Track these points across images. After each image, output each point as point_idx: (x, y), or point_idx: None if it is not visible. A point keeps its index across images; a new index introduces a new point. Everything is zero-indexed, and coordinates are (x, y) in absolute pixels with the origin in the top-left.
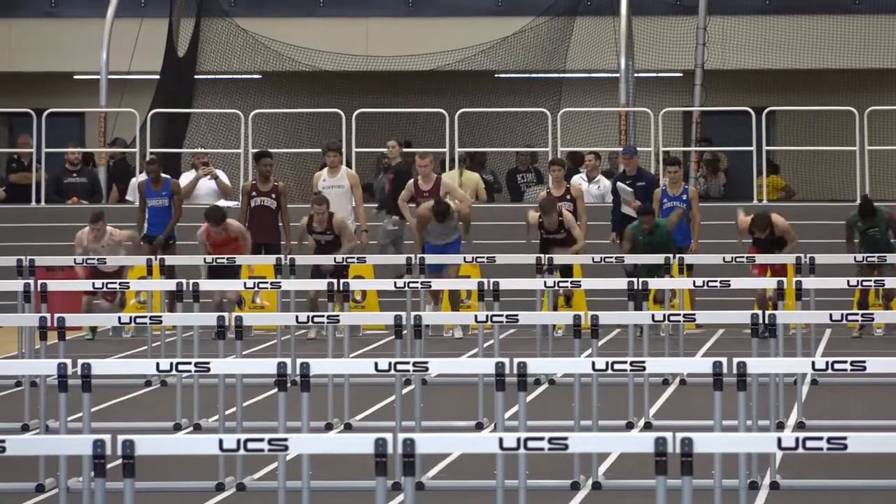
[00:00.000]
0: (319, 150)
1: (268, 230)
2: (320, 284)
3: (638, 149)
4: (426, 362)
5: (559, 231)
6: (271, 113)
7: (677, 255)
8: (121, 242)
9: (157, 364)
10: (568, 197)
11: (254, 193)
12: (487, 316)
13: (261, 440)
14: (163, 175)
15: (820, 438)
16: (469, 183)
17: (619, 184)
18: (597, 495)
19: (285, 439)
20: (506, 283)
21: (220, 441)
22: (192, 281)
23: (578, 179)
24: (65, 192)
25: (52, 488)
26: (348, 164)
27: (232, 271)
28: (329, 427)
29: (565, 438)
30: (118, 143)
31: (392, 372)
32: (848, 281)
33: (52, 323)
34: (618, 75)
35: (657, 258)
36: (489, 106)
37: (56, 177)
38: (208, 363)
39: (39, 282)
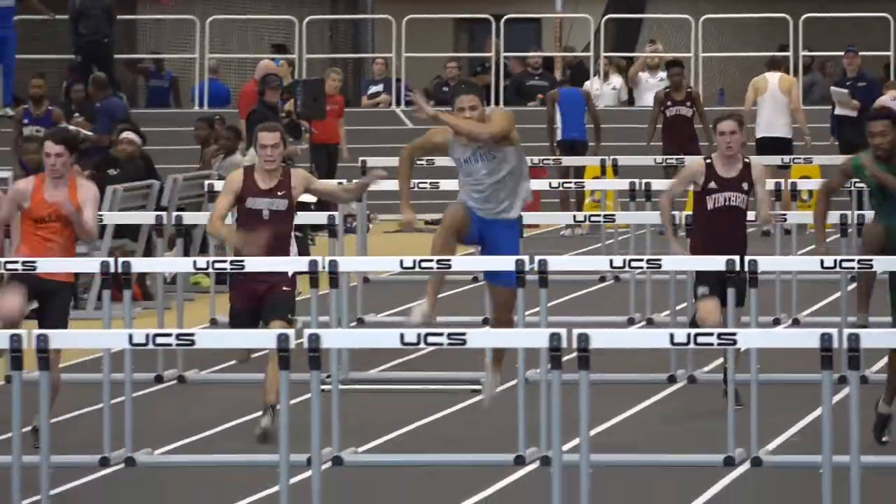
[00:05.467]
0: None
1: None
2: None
3: None
4: (871, 259)
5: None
6: (723, 18)
7: None
8: None
9: (611, 261)
10: None
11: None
12: None
13: (710, 335)
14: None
15: None
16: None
17: (833, 87)
18: None
19: (734, 334)
20: None
21: (671, 335)
22: (644, 181)
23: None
24: (526, 94)
25: (511, 380)
26: None
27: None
28: (777, 322)
29: None
30: (566, 49)
31: (837, 269)
32: None
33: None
34: None
35: None
36: None
37: (517, 79)
38: (660, 259)
39: None
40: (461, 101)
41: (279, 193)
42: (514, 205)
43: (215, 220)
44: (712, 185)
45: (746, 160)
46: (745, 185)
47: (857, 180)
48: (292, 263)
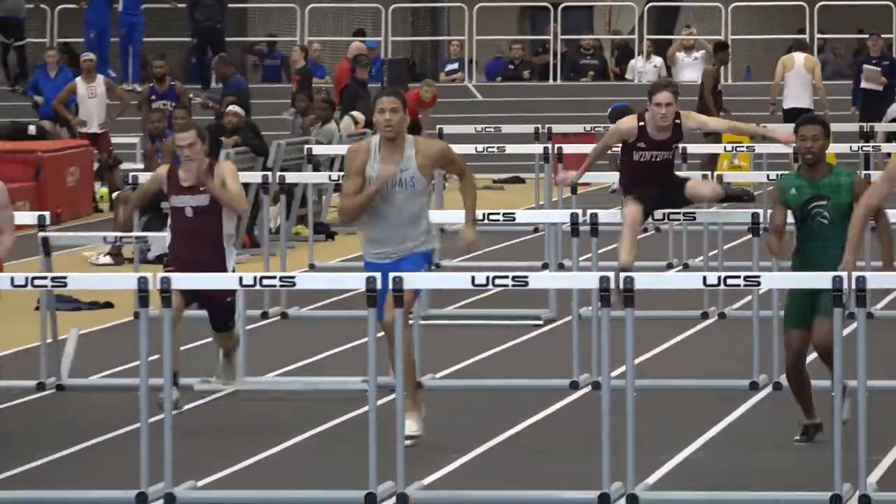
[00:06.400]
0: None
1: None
2: None
3: None
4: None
5: (667, 146)
6: (749, 5)
7: None
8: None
9: (653, 213)
10: None
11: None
12: None
13: (737, 277)
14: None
15: None
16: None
17: (865, 65)
18: None
19: (758, 276)
20: None
21: (704, 278)
22: (682, 145)
23: None
24: (579, 71)
25: (566, 316)
26: None
27: None
28: None
29: None
30: (614, 32)
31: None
32: None
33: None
34: None
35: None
36: None
37: (572, 58)
38: (694, 213)
39: (556, 145)
40: (382, 104)
41: (201, 189)
42: (424, 239)
43: (138, 194)
44: (641, 144)
45: (678, 122)
46: (674, 146)
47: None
48: None
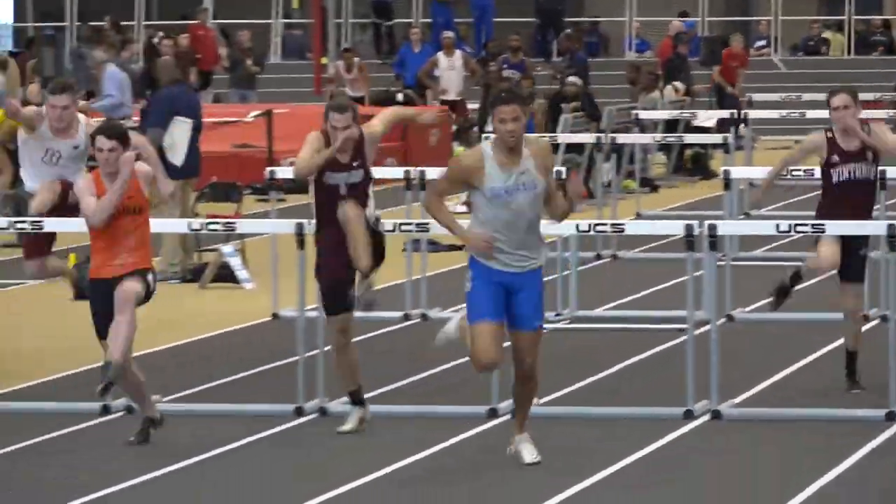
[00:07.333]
0: None
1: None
2: None
3: None
4: None
5: (862, 156)
6: None
7: None
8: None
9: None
10: None
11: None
12: None
13: (805, 225)
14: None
15: None
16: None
17: None
18: None
19: (823, 224)
20: None
21: (776, 225)
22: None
23: None
24: (870, 46)
25: None
26: None
27: None
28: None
29: None
30: None
31: None
32: None
33: None
34: None
35: None
36: None
37: (864, 35)
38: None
39: None
40: (502, 112)
41: (354, 165)
42: (542, 248)
43: (308, 160)
44: (835, 158)
45: (865, 128)
46: (869, 155)
47: None
48: None
